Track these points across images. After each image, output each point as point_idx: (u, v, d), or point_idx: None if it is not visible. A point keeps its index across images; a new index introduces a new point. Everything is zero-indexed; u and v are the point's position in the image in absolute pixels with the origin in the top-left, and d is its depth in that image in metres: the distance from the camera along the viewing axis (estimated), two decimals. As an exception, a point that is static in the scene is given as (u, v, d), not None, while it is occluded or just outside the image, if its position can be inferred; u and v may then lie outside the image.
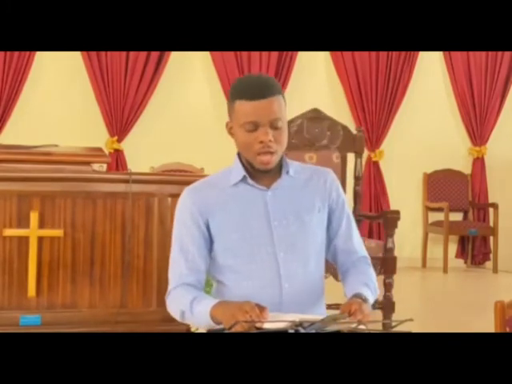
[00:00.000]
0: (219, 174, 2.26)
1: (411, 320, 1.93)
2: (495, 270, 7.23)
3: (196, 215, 2.14)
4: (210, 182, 2.23)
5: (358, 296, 2.10)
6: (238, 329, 1.87)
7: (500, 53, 7.45)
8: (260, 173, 2.14)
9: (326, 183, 2.23)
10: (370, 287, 2.18)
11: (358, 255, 2.28)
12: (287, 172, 2.17)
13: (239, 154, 2.20)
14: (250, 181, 2.15)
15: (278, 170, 2.17)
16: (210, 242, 2.17)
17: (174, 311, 2.18)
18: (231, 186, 2.17)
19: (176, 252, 2.18)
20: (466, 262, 7.60)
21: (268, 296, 2.08)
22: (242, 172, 2.16)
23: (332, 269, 3.06)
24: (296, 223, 2.15)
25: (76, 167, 3.56)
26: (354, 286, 2.16)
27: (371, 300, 2.15)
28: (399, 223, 4.29)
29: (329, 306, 3.96)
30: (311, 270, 2.17)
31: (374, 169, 7.35)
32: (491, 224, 7.38)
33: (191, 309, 2.08)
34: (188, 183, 3.78)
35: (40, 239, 3.43)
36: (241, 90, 2.10)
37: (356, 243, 2.29)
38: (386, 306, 4.13)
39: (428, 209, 7.47)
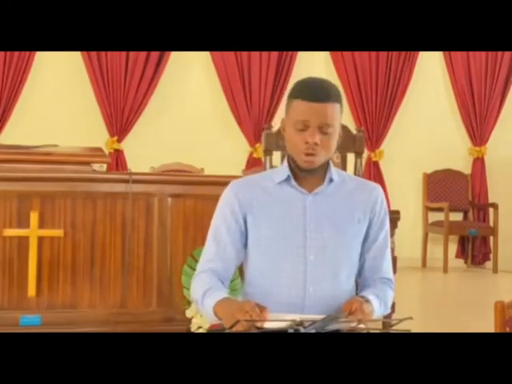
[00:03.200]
0: (265, 173, 2.32)
1: (411, 318, 1.93)
2: (495, 270, 7.23)
3: (236, 208, 2.17)
4: (254, 179, 2.25)
5: (360, 296, 2.11)
6: (238, 328, 1.87)
7: (500, 53, 7.44)
8: (304, 174, 2.15)
9: (371, 196, 2.20)
10: (380, 298, 2.16)
11: (383, 275, 2.25)
12: (331, 179, 2.17)
13: (289, 156, 2.20)
14: (293, 182, 2.16)
15: (322, 176, 2.17)
16: (246, 236, 2.19)
17: (194, 298, 2.19)
18: (274, 185, 2.19)
19: (210, 239, 2.21)
20: (466, 262, 7.59)
21: (291, 297, 2.09)
22: (286, 172, 2.17)
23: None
24: (331, 230, 2.14)
25: (76, 167, 3.56)
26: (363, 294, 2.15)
27: (377, 311, 2.13)
28: (399, 223, 4.28)
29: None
30: (340, 279, 2.16)
31: (374, 169, 7.35)
32: (491, 224, 7.38)
33: (202, 300, 2.10)
34: (188, 183, 3.81)
35: (40, 239, 3.43)
36: (301, 89, 2.12)
37: (385, 264, 2.25)
38: (386, 306, 4.13)
39: (428, 209, 7.47)
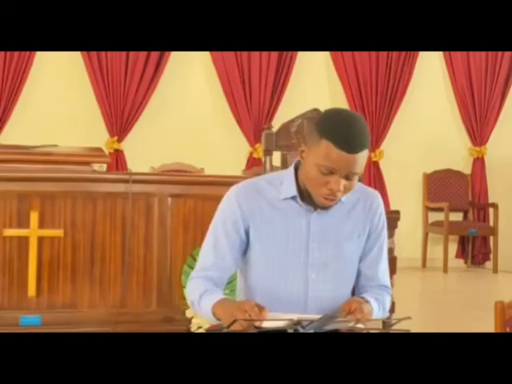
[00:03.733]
0: (270, 180, 2.19)
1: (409, 318, 1.93)
2: (495, 270, 7.23)
3: (238, 220, 2.12)
4: (259, 188, 2.16)
5: (359, 297, 2.11)
6: (236, 327, 1.87)
7: (500, 53, 7.44)
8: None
9: (372, 208, 2.19)
10: (379, 301, 2.16)
11: (380, 283, 2.24)
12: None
13: (296, 169, 2.14)
14: (299, 201, 2.12)
15: None
16: (246, 246, 2.16)
17: (189, 300, 2.18)
18: (279, 200, 2.13)
19: (209, 245, 2.17)
20: (466, 262, 7.60)
21: (292, 305, 2.07)
22: (294, 191, 2.11)
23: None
24: (334, 248, 2.13)
25: (76, 167, 3.57)
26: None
27: (377, 313, 2.13)
28: (399, 223, 4.28)
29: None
30: (341, 293, 2.15)
31: (374, 169, 7.35)
32: (491, 224, 7.38)
33: (199, 302, 2.10)
34: (188, 183, 3.81)
35: (40, 239, 3.43)
36: (335, 134, 1.96)
37: (381, 271, 2.25)
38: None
39: (428, 209, 7.47)
